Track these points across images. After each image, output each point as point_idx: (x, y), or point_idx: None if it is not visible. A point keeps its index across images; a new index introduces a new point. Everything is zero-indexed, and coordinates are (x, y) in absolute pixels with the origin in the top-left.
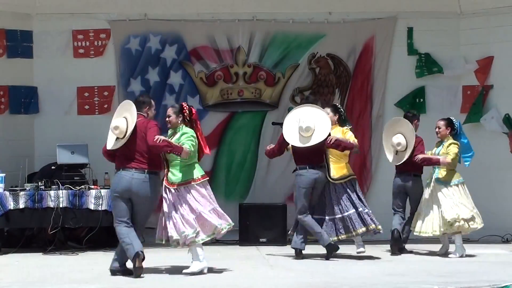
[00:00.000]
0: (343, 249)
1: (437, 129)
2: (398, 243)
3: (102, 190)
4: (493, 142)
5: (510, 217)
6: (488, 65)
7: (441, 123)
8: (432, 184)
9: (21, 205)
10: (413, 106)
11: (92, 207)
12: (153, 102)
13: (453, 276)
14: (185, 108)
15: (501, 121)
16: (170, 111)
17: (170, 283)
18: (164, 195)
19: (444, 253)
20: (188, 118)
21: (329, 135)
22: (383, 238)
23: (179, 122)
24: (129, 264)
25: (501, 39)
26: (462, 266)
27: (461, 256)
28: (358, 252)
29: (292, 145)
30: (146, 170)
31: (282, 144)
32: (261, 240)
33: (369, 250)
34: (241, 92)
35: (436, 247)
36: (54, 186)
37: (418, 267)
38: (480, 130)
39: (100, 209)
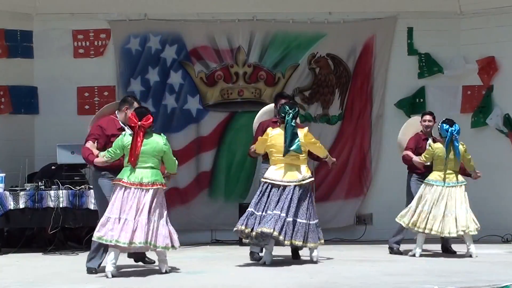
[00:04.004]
0: (343, 249)
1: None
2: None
3: None
4: (493, 142)
5: (510, 217)
6: (491, 66)
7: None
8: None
9: (21, 205)
10: (413, 106)
11: (92, 207)
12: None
13: (453, 276)
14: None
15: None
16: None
17: (172, 282)
18: None
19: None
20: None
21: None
22: (384, 238)
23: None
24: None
25: (501, 39)
26: (462, 266)
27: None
28: None
29: None
30: None
31: None
32: None
33: (369, 250)
34: (241, 92)
35: (436, 247)
36: (54, 186)
37: (418, 267)
38: (480, 130)
39: None
